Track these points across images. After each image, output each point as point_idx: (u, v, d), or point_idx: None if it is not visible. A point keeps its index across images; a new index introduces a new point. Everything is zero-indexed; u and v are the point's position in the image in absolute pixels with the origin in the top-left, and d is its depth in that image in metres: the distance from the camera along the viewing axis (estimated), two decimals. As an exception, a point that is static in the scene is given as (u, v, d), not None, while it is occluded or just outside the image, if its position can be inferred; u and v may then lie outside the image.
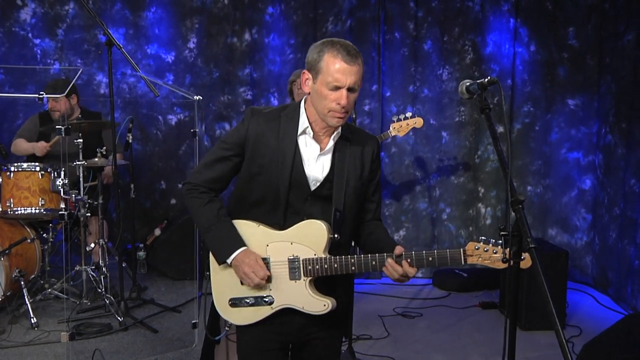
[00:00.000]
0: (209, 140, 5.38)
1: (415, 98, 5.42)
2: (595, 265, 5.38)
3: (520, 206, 1.76)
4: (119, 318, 3.85)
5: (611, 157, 5.10)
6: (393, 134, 4.22)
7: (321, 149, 2.12)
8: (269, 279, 2.09)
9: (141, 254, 4.97)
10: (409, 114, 4.20)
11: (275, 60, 5.35)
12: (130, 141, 4.39)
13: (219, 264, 2.14)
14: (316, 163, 2.12)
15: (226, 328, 2.49)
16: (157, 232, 5.10)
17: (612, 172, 5.10)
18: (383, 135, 4.28)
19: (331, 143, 2.12)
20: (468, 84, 2.01)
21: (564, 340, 1.53)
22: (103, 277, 4.18)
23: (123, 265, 4.31)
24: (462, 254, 1.97)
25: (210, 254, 2.17)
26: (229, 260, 2.10)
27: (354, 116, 3.79)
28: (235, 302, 2.14)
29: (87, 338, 3.67)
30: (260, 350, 2.18)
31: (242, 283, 2.12)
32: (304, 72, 2.08)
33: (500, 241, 1.89)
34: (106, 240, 4.42)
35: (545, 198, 5.54)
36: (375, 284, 5.23)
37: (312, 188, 2.12)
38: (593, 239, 5.44)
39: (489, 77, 1.92)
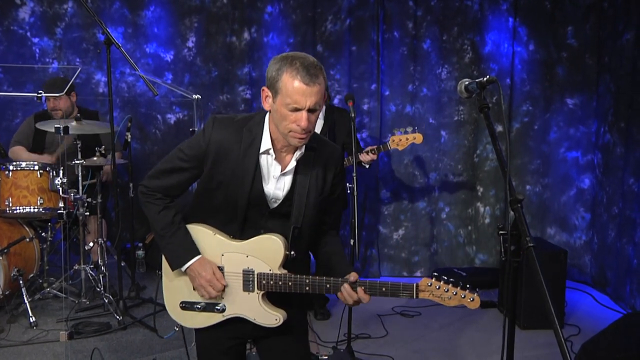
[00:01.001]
0: (207, 139, 5.37)
1: (414, 97, 5.41)
2: (594, 265, 5.38)
3: (519, 205, 1.76)
4: (117, 317, 3.85)
5: (610, 156, 5.10)
6: (392, 147, 4.25)
7: (282, 168, 2.08)
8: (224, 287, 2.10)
9: (140, 253, 4.97)
10: (409, 129, 4.23)
11: (274, 60, 5.34)
12: (129, 140, 4.39)
13: (173, 270, 2.15)
14: (277, 182, 2.09)
15: (175, 328, 2.51)
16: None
17: (610, 172, 5.10)
18: (382, 146, 4.29)
19: (293, 163, 2.07)
20: (467, 83, 2.01)
21: (562, 339, 1.53)
22: (102, 276, 4.18)
23: (122, 264, 4.31)
24: (414, 288, 1.99)
25: (163, 259, 2.17)
26: (183, 269, 2.10)
27: (352, 115, 3.79)
28: (186, 306, 2.17)
29: (85, 337, 3.67)
30: (217, 348, 2.20)
31: (194, 288, 2.13)
32: (263, 89, 1.99)
33: (452, 280, 1.99)
34: (105, 239, 4.42)
35: (544, 197, 5.54)
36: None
37: (272, 206, 2.10)
38: (592, 238, 5.45)
39: (487, 76, 1.92)
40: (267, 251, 2.07)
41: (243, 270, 2.09)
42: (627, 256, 4.72)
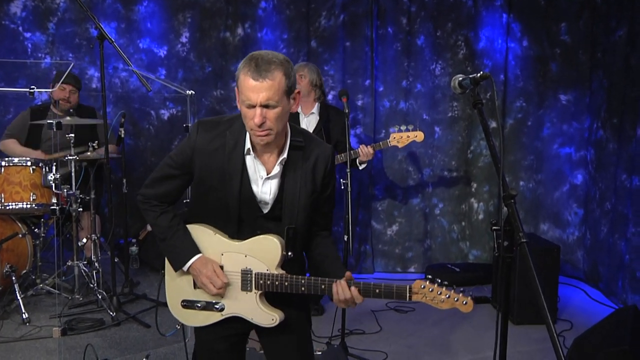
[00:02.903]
0: (201, 135, 5.36)
1: (408, 93, 5.42)
2: (587, 260, 5.41)
3: (512, 201, 1.77)
4: (111, 313, 3.85)
5: (603, 152, 5.12)
6: (392, 144, 4.25)
7: (268, 172, 2.08)
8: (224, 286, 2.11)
9: (133, 249, 4.95)
10: (410, 127, 4.24)
11: (268, 55, 5.32)
12: (122, 136, 4.38)
13: (176, 271, 2.18)
14: (263, 186, 2.10)
15: (177, 326, 2.53)
16: (150, 227, 5.08)
17: (603, 167, 5.12)
18: (382, 143, 4.29)
19: (277, 169, 2.07)
20: (461, 78, 2.01)
21: (555, 334, 1.54)
22: (95, 272, 4.17)
23: (115, 260, 4.30)
24: (407, 290, 2.00)
25: (166, 260, 2.21)
26: (185, 268, 2.13)
27: (347, 111, 3.79)
28: (187, 304, 2.19)
29: (79, 333, 3.67)
30: (215, 346, 2.22)
31: (195, 287, 2.16)
32: (236, 89, 2.01)
33: (446, 282, 1.99)
34: (98, 235, 4.41)
35: (537, 193, 5.56)
36: (367, 279, 5.23)
37: (264, 210, 2.11)
38: (584, 233, 5.47)
39: (481, 72, 1.93)
40: (265, 251, 2.08)
41: (241, 270, 2.11)
42: (619, 252, 4.75)
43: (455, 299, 1.97)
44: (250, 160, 2.08)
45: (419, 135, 4.25)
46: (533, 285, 1.62)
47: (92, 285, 4.12)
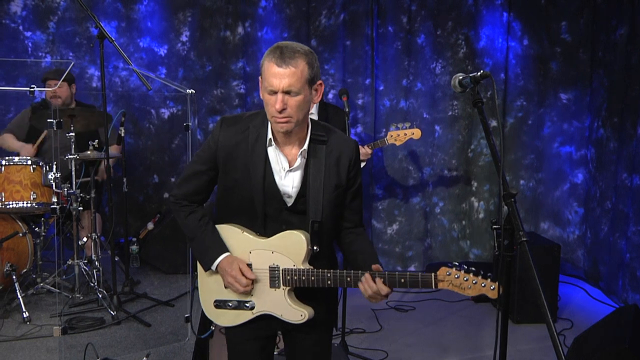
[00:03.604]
0: (202, 134, 5.37)
1: (409, 92, 5.41)
2: (587, 259, 5.41)
3: (512, 200, 1.77)
4: (111, 312, 3.84)
5: (603, 151, 5.12)
6: (390, 142, 4.25)
7: (290, 164, 2.09)
8: (253, 283, 2.11)
9: (134, 248, 4.96)
10: (407, 124, 4.23)
11: (268, 54, 5.32)
12: (122, 135, 4.37)
13: (205, 271, 2.19)
14: (285, 178, 2.10)
15: (211, 327, 2.54)
16: (150, 226, 5.08)
17: (604, 166, 5.12)
18: (379, 142, 4.29)
19: (299, 160, 2.08)
20: (461, 77, 2.01)
21: (555, 333, 1.54)
22: (96, 271, 4.17)
23: (116, 259, 4.30)
24: (433, 278, 1.96)
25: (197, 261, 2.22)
26: (213, 267, 2.14)
27: (347, 110, 3.79)
28: (219, 304, 2.19)
29: (79, 332, 3.66)
30: (248, 339, 2.22)
31: (225, 286, 2.16)
32: (260, 79, 2.05)
33: (473, 268, 1.94)
34: (99, 234, 4.40)
35: (537, 192, 5.56)
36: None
37: (288, 204, 2.12)
38: (585, 232, 5.47)
39: (481, 71, 1.92)
40: (291, 247, 2.08)
41: (269, 267, 2.10)
42: (620, 250, 4.75)
43: (483, 285, 1.93)
44: (272, 151, 2.09)
45: (416, 133, 4.24)
46: (533, 284, 1.62)
47: (92, 284, 4.12)
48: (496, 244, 1.84)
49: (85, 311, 3.97)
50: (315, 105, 4.45)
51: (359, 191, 2.21)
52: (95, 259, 4.24)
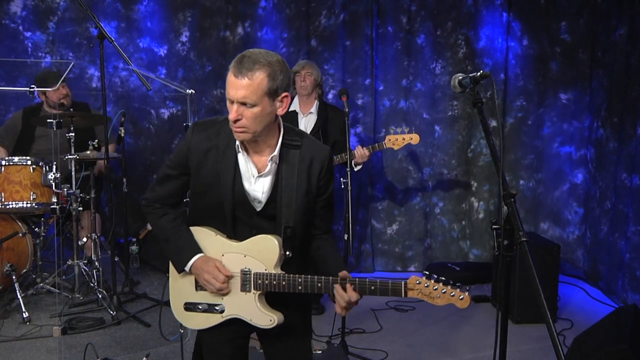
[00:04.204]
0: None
1: (408, 92, 5.41)
2: (587, 259, 5.41)
3: (512, 200, 1.77)
4: (111, 312, 3.85)
5: (603, 151, 5.12)
6: (388, 146, 4.26)
7: (259, 171, 2.09)
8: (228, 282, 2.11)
9: (134, 248, 4.96)
10: (406, 129, 4.24)
11: (268, 54, 5.32)
12: (122, 135, 4.38)
13: (179, 273, 2.20)
14: (255, 184, 2.10)
15: (180, 330, 2.54)
16: (150, 226, 5.08)
17: (603, 166, 5.12)
18: (378, 145, 4.29)
19: (269, 166, 2.08)
20: (460, 77, 2.01)
21: (555, 333, 1.54)
22: (95, 272, 4.17)
23: (115, 259, 4.30)
24: (403, 286, 1.97)
25: (170, 263, 2.23)
26: (187, 268, 2.14)
27: (347, 110, 3.79)
28: (189, 307, 2.20)
29: (79, 332, 3.67)
30: (220, 348, 2.22)
31: (196, 289, 2.17)
32: None
33: (443, 278, 1.95)
34: (98, 234, 4.40)
35: (537, 192, 5.56)
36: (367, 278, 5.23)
37: (257, 209, 2.12)
38: (585, 232, 5.47)
39: (481, 71, 1.93)
40: (263, 251, 2.08)
41: (241, 270, 2.10)
42: (620, 250, 4.75)
43: (452, 294, 1.94)
44: (242, 158, 2.09)
45: (414, 138, 4.26)
46: (533, 284, 1.62)
47: (92, 285, 4.12)
48: (496, 244, 1.84)
49: (85, 311, 3.97)
50: (315, 105, 4.45)
51: (329, 200, 2.21)
52: (95, 259, 4.25)
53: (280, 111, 2.02)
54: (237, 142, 2.07)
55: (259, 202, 2.12)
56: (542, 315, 1.57)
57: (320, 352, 3.43)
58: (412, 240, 5.53)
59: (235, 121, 1.96)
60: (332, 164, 2.19)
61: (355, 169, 4.34)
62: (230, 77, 1.94)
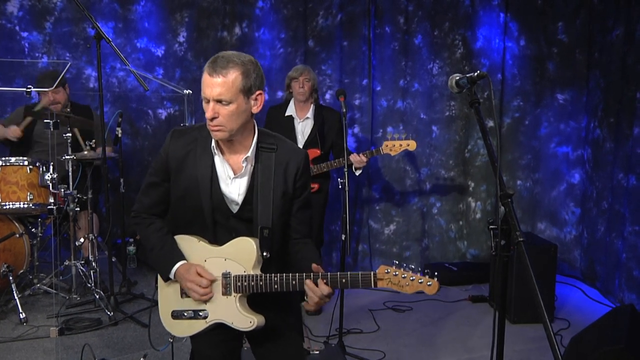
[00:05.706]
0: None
1: (406, 92, 5.42)
2: (584, 259, 5.42)
3: (509, 200, 1.78)
4: (108, 313, 3.84)
5: (600, 151, 5.13)
6: (385, 152, 4.29)
7: (235, 172, 2.13)
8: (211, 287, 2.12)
9: (131, 248, 4.95)
10: (403, 135, 4.27)
11: (265, 55, 5.33)
12: (119, 135, 4.37)
13: (165, 282, 2.21)
14: (231, 185, 2.14)
15: (169, 339, 2.54)
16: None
17: (600, 167, 5.13)
18: (375, 151, 4.31)
19: (244, 166, 2.12)
20: (458, 78, 2.02)
21: (552, 333, 1.54)
22: (93, 272, 4.17)
23: (113, 260, 4.29)
24: (372, 277, 1.99)
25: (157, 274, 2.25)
26: (171, 276, 2.16)
27: (344, 110, 3.79)
28: (176, 315, 2.21)
29: (76, 333, 3.66)
30: (211, 345, 2.23)
31: (182, 296, 2.18)
32: None
33: (412, 266, 1.97)
34: (96, 235, 4.40)
35: (534, 192, 5.57)
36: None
37: (234, 210, 2.15)
38: (582, 232, 5.48)
39: (478, 72, 1.94)
40: (242, 253, 2.11)
41: (222, 274, 2.12)
42: (616, 250, 4.76)
43: (420, 281, 1.95)
44: (218, 160, 2.14)
45: (411, 144, 4.30)
46: (530, 284, 1.62)
47: (89, 285, 4.12)
48: (493, 244, 1.85)
49: (82, 312, 3.97)
50: (311, 109, 4.45)
51: (306, 202, 2.23)
52: (92, 259, 4.24)
53: (255, 109, 2.08)
54: (213, 145, 2.11)
55: (236, 203, 2.15)
56: (539, 315, 1.58)
57: (317, 352, 3.44)
58: (410, 240, 5.54)
59: (212, 119, 2.01)
60: (308, 166, 2.22)
61: (356, 174, 4.35)
62: (206, 77, 2.00)
